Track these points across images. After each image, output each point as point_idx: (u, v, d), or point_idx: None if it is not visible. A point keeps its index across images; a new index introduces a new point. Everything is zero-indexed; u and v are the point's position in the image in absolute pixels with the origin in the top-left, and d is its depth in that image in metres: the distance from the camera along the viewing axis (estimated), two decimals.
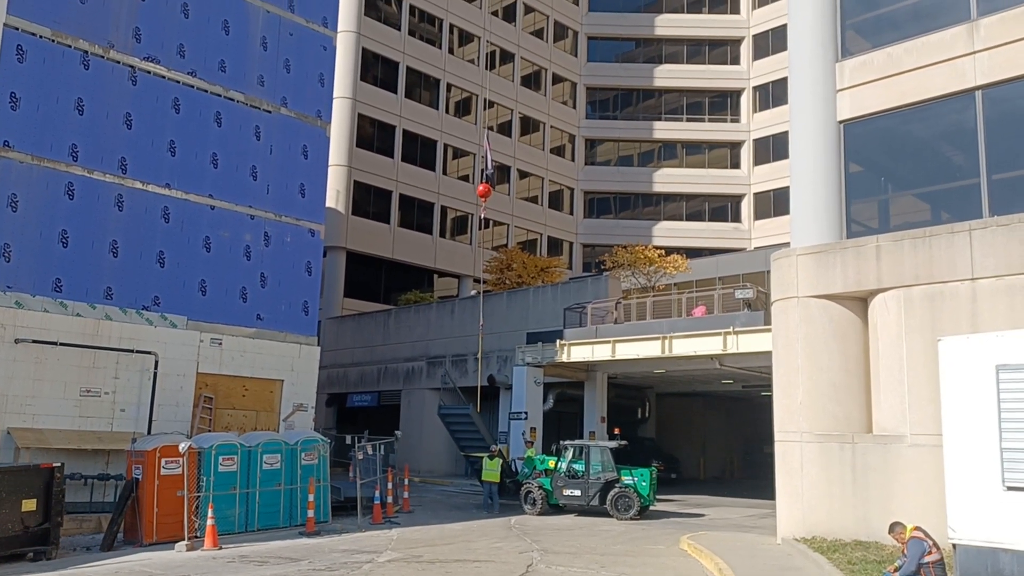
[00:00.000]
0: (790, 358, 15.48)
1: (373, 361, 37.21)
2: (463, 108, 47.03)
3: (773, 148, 50.43)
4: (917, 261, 14.19)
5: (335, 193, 39.75)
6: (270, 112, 25.35)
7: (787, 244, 17.23)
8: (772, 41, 51.11)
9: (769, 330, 17.28)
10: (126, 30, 22.41)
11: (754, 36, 52.69)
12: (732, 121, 52.81)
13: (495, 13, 48.84)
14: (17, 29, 20.37)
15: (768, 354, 16.60)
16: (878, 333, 14.63)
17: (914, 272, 14.19)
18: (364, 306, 40.89)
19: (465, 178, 46.62)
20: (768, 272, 17.87)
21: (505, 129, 49.01)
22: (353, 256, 41.43)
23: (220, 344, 23.21)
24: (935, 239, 14.08)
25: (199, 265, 23.31)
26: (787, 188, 18.71)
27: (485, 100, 47.50)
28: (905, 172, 16.36)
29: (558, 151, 52.49)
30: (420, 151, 44.57)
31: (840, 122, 16.37)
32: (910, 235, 14.44)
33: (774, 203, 49.84)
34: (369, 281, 42.29)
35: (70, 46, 21.32)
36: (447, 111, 46.01)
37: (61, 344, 19.97)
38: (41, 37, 20.80)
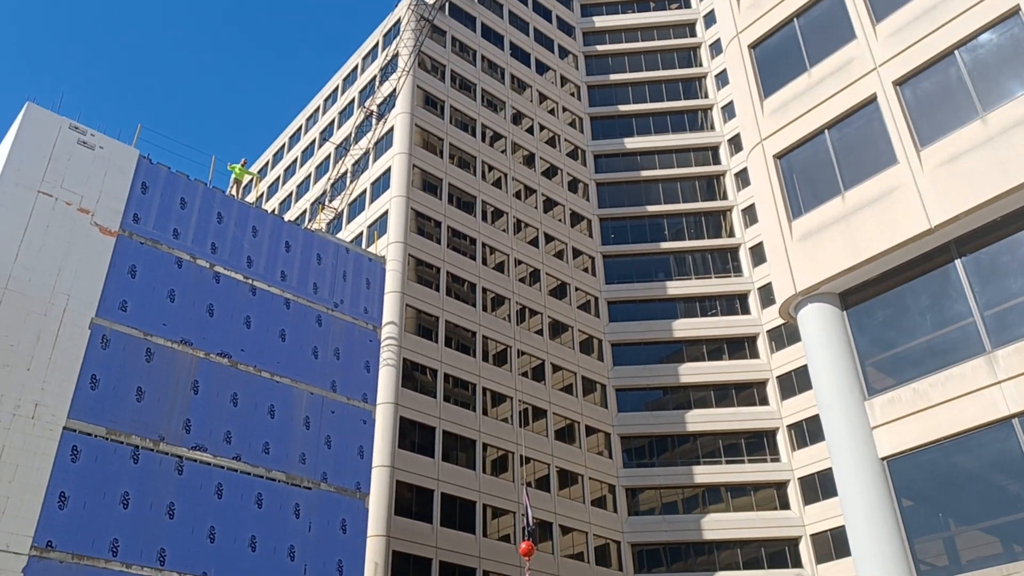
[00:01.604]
0: None
1: None
2: (500, 466, 47.21)
3: (821, 486, 49.16)
4: None
5: (373, 566, 38.45)
6: (310, 488, 25.57)
7: None
8: (797, 380, 52.41)
9: None
10: (178, 422, 23.59)
11: (778, 377, 54.19)
12: (772, 460, 52.24)
13: (524, 374, 51.18)
14: (75, 431, 21.51)
15: None
16: None
17: None
18: None
19: (506, 538, 45.23)
20: None
21: (543, 484, 48.65)
22: None
23: None
24: None
25: None
26: (844, 527, 17.91)
27: (521, 456, 47.82)
28: (963, 506, 15.72)
29: (599, 502, 51.43)
30: (459, 514, 43.87)
31: (882, 459, 16.16)
32: (986, 575, 13.46)
33: (834, 544, 47.27)
34: None
35: (123, 442, 22.31)
36: (484, 471, 46.14)
37: None
38: (96, 436, 21.88)
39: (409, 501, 42.12)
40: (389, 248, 47.27)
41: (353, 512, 26.20)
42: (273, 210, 64.51)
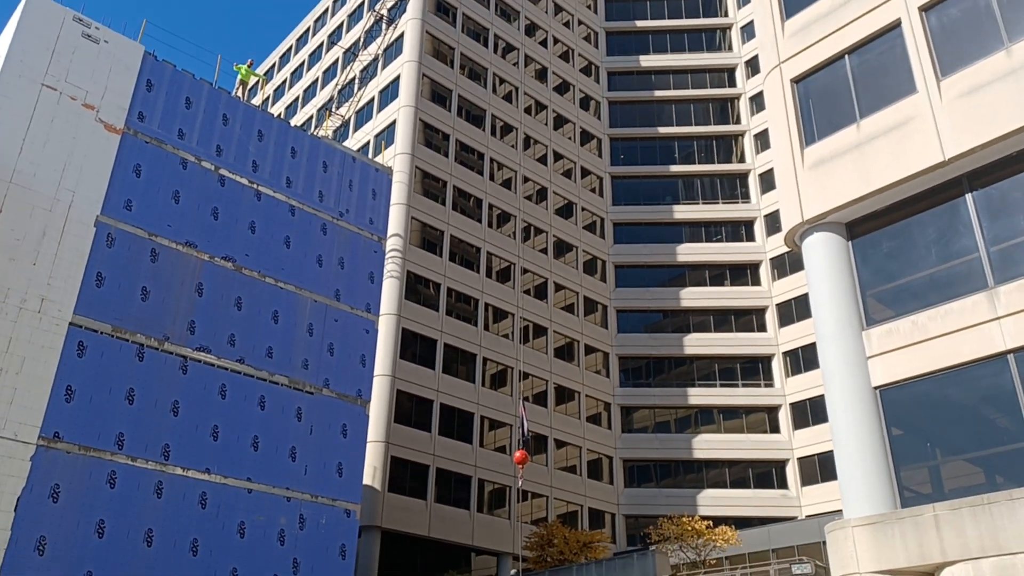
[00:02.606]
0: None
1: None
2: (499, 380, 47.97)
3: (811, 412, 50.02)
4: (981, 531, 13.46)
5: (372, 470, 39.53)
6: (312, 393, 26.06)
7: (838, 511, 16.53)
8: (796, 309, 52.68)
9: None
10: (182, 323, 23.86)
11: (777, 305, 54.44)
12: (766, 386, 52.99)
13: (527, 292, 51.46)
14: (81, 327, 21.78)
15: None
16: None
17: (979, 543, 13.41)
18: None
19: (502, 449, 46.34)
20: (823, 543, 16.98)
21: (540, 400, 49.52)
22: (388, 535, 40.19)
23: None
24: (995, 507, 13.46)
25: (232, 552, 22.75)
26: (831, 452, 18.31)
27: (520, 372, 48.54)
28: (950, 436, 16.03)
29: (594, 419, 52.47)
30: (457, 424, 44.83)
31: (875, 388, 16.39)
32: (968, 503, 13.85)
33: (820, 468, 48.41)
34: (405, 562, 40.61)
35: (128, 340, 22.61)
36: (483, 384, 46.91)
37: None
38: (101, 333, 22.16)
39: (409, 410, 42.98)
40: (396, 159, 46.85)
41: (354, 418, 26.76)
42: (279, 114, 63.64)
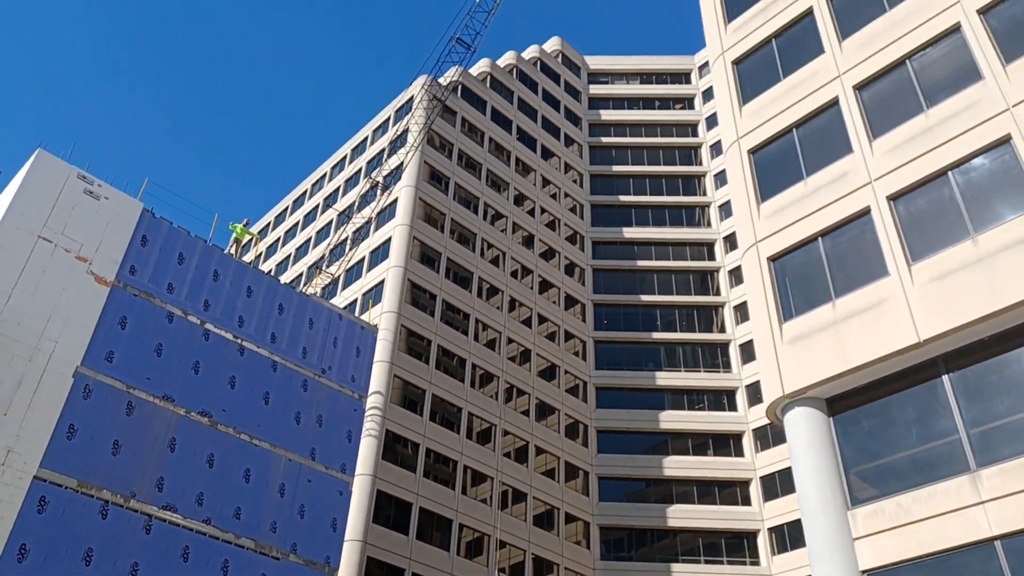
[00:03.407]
0: None
1: None
2: (475, 549, 46.16)
3: None
4: None
5: None
6: (278, 559, 24.96)
7: None
8: (781, 483, 51.82)
9: None
10: (151, 479, 23.18)
11: (761, 478, 53.61)
12: (752, 564, 51.16)
13: (507, 455, 50.54)
14: (45, 481, 21.10)
15: None
16: None
17: None
18: None
19: None
20: None
21: (518, 573, 47.45)
22: None
23: None
24: None
25: None
26: None
27: (498, 540, 46.83)
28: None
29: None
30: None
31: (863, 572, 15.90)
32: None
33: None
34: None
35: (92, 496, 21.87)
36: (458, 553, 45.08)
37: None
38: (66, 488, 21.45)
39: None
40: (382, 317, 47.30)
41: None
42: (270, 271, 64.77)
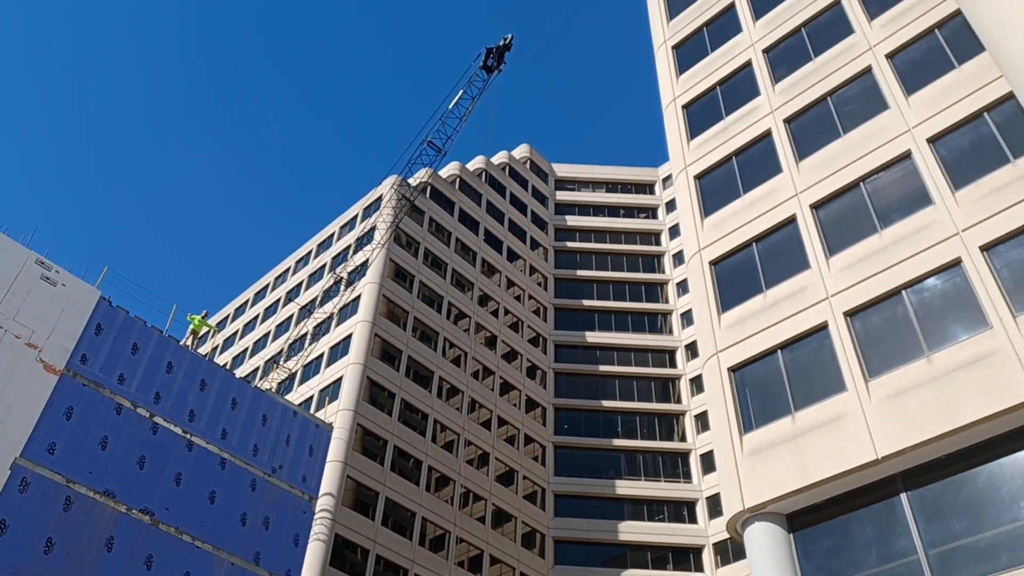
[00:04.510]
0: None
1: None
2: None
3: None
4: None
5: None
6: None
7: None
8: None
9: None
10: None
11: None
12: None
13: (461, 564, 48.83)
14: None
15: None
16: None
17: None
18: None
19: None
20: None
21: None
22: None
23: None
24: None
25: None
26: None
27: None
28: None
29: None
30: None
31: None
32: None
33: None
34: None
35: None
36: None
37: None
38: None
39: None
40: (338, 415, 46.34)
41: None
42: (226, 364, 63.54)
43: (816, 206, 20.44)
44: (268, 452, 28.33)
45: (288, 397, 46.22)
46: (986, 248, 17.00)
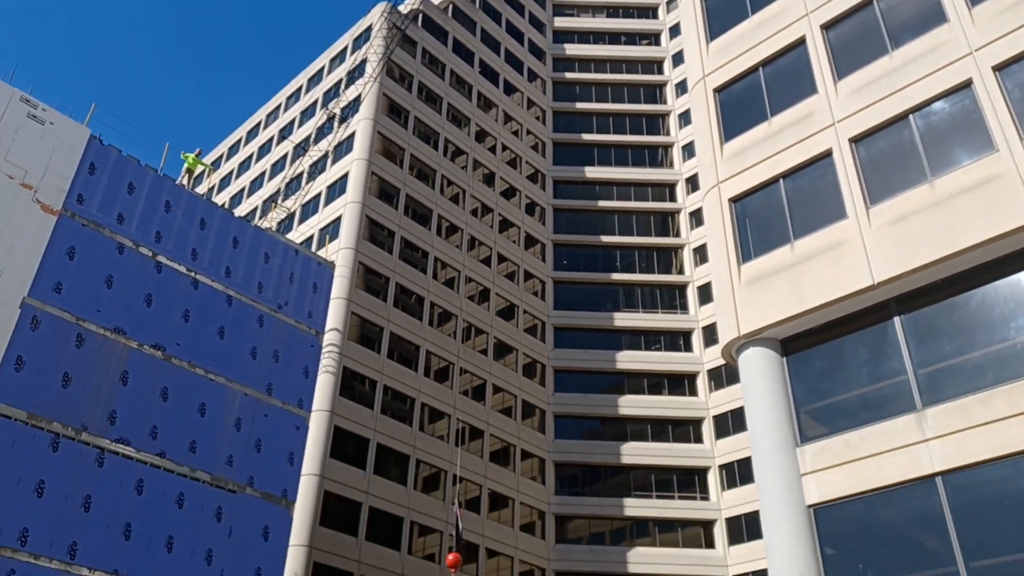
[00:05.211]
0: None
1: None
2: (431, 484, 46.75)
3: (747, 527, 49.72)
4: None
5: (292, 575, 37.60)
6: (234, 492, 24.96)
7: None
8: (733, 422, 53.10)
9: None
10: (103, 413, 22.84)
11: (714, 417, 54.87)
12: (702, 499, 52.70)
13: (465, 393, 50.89)
14: None
15: None
16: None
17: None
18: None
19: (431, 557, 44.71)
20: None
21: (474, 506, 48.27)
22: None
23: None
24: None
25: None
26: (766, 570, 18.11)
27: (455, 476, 47.44)
28: (882, 558, 15.99)
29: (528, 528, 51.23)
30: (386, 530, 43.24)
31: (809, 506, 16.38)
32: None
33: None
34: None
35: (43, 428, 21.51)
36: (415, 487, 45.62)
37: None
38: (16, 420, 21.04)
39: (336, 512, 41.37)
40: (339, 254, 46.74)
41: (277, 519, 25.59)
42: (224, 204, 63.34)
43: (827, 26, 19.59)
44: (272, 289, 28.75)
45: (288, 237, 46.40)
46: (999, 68, 16.44)
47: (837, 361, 17.21)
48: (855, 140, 17.91)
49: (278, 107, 66.00)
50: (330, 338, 42.37)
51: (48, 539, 20.57)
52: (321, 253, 43.42)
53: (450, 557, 27.25)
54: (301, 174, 54.27)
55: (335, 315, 43.53)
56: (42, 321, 22.23)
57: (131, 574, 21.76)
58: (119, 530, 21.94)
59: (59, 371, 22.05)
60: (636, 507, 52.30)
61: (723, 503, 51.86)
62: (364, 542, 41.81)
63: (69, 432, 21.86)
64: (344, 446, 43.02)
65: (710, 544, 51.30)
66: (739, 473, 51.53)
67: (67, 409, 22.03)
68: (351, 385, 44.67)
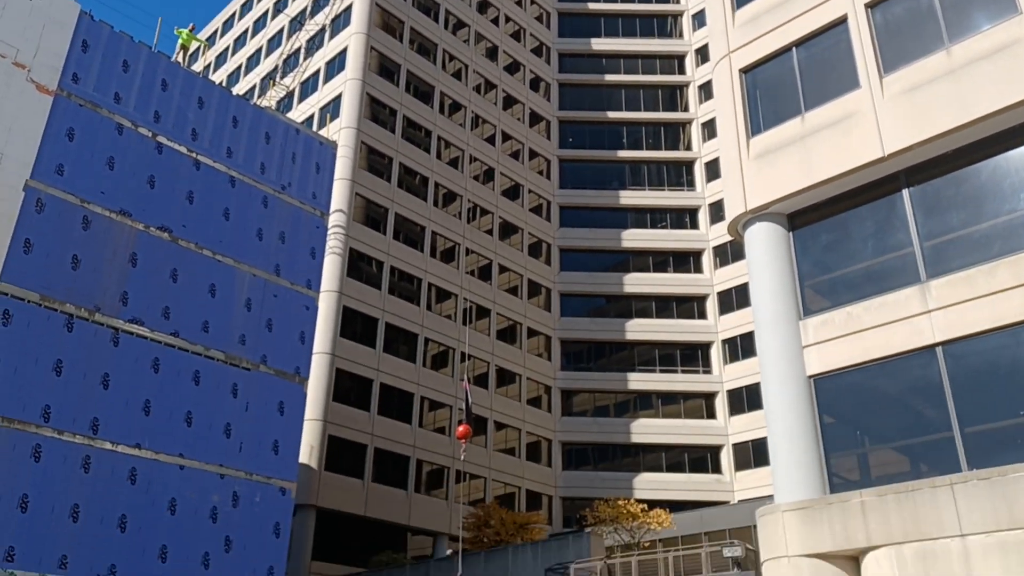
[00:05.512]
0: None
1: None
2: (440, 361, 47.83)
3: (747, 399, 51.13)
4: (904, 517, 13.90)
5: (308, 448, 39.10)
6: (249, 369, 25.59)
7: (770, 496, 16.90)
8: (736, 298, 53.65)
9: None
10: (114, 294, 23.13)
11: (718, 293, 55.39)
12: (704, 372, 53.94)
13: (471, 273, 51.28)
14: (7, 295, 20.95)
15: None
16: None
17: (902, 529, 13.85)
18: (332, 569, 38.65)
19: (441, 430, 46.30)
20: (754, 527, 17.36)
21: (482, 382, 49.54)
22: (324, 514, 39.86)
23: None
24: (918, 494, 13.90)
25: (162, 529, 22.25)
26: (765, 439, 18.72)
27: (462, 353, 48.48)
28: (879, 425, 16.49)
29: (535, 402, 52.76)
30: (397, 404, 44.60)
31: (809, 377, 16.75)
32: (893, 490, 14.27)
33: (754, 454, 49.58)
34: (339, 541, 40.35)
35: (56, 310, 21.85)
36: (424, 364, 46.70)
37: None
38: (29, 302, 21.35)
39: (348, 389, 42.55)
40: (341, 133, 46.07)
41: (291, 395, 26.35)
42: (221, 82, 61.89)
43: None
44: (275, 170, 28.51)
45: (288, 116, 45.60)
46: None
47: (843, 235, 17.17)
48: (871, 5, 17.21)
49: None
50: (335, 219, 42.35)
51: (70, 415, 21.28)
52: (322, 132, 42.78)
53: (460, 429, 28.15)
54: (298, 50, 52.77)
55: (339, 196, 43.35)
56: (47, 204, 22.20)
57: (153, 447, 22.64)
58: (139, 406, 22.66)
59: (68, 253, 22.20)
60: (640, 381, 53.64)
61: (725, 376, 53.11)
62: (376, 416, 43.20)
63: (83, 313, 22.23)
64: (353, 325, 43.77)
65: (711, 414, 52.90)
66: (741, 347, 52.51)
67: (79, 290, 22.31)
68: (358, 266, 44.99)
